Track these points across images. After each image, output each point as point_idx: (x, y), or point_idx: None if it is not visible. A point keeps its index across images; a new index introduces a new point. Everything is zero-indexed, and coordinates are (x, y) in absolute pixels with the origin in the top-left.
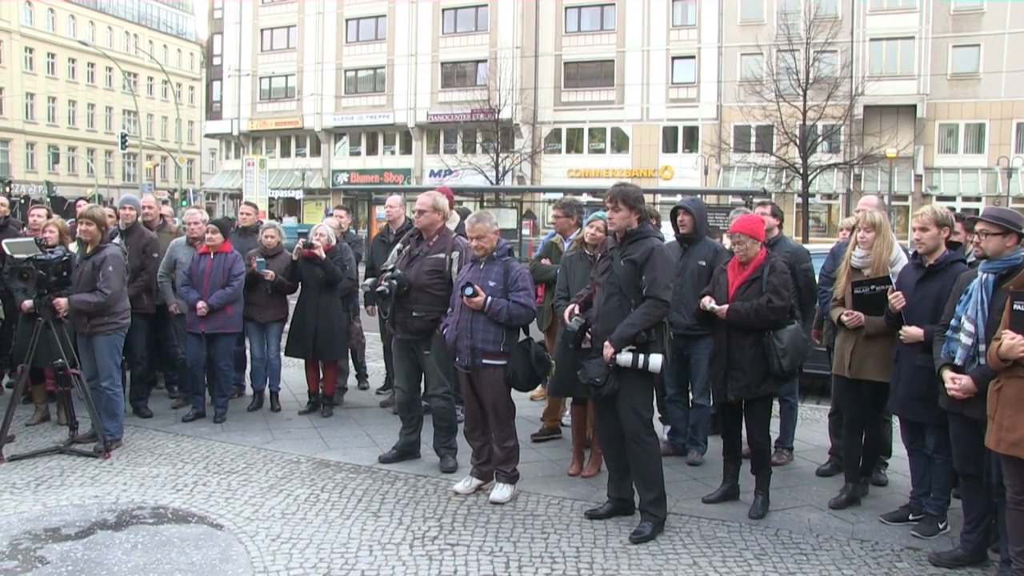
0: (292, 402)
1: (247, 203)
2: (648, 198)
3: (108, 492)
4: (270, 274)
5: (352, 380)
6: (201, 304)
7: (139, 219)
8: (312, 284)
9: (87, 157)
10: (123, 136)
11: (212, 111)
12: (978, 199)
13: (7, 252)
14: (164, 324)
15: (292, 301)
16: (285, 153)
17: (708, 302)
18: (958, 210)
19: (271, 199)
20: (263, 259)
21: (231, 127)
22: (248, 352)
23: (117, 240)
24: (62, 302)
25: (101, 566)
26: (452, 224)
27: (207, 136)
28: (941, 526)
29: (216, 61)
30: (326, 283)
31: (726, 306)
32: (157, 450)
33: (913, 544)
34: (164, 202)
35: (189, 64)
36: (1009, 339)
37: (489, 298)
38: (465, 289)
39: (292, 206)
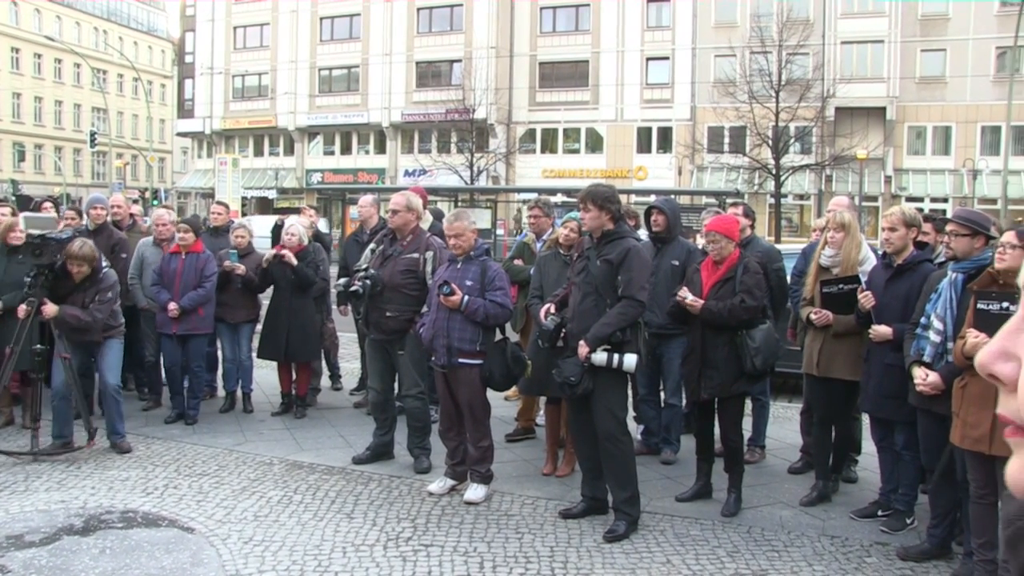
0: (264, 403)
1: (218, 203)
2: (622, 198)
3: (75, 496)
4: (241, 268)
5: (325, 381)
6: (173, 306)
7: (108, 218)
8: (284, 285)
9: (55, 155)
10: (92, 134)
11: (184, 109)
12: (945, 200)
13: (23, 227)
14: (134, 325)
15: (264, 301)
16: (258, 152)
17: (685, 293)
18: (926, 211)
19: (244, 199)
20: (234, 251)
21: (203, 126)
22: (220, 353)
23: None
24: (51, 309)
25: (67, 573)
26: (425, 224)
27: (179, 135)
28: (909, 521)
29: (188, 59)
30: (298, 285)
31: (701, 301)
32: (126, 452)
33: (882, 539)
34: (135, 201)
35: (160, 61)
36: (973, 338)
37: (466, 297)
38: (442, 288)
39: (265, 206)
